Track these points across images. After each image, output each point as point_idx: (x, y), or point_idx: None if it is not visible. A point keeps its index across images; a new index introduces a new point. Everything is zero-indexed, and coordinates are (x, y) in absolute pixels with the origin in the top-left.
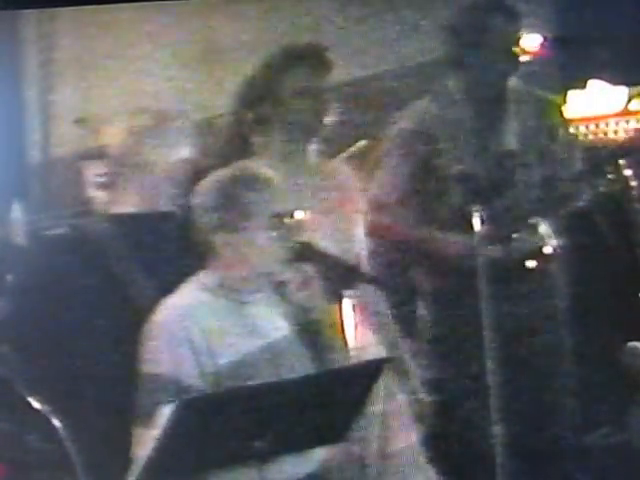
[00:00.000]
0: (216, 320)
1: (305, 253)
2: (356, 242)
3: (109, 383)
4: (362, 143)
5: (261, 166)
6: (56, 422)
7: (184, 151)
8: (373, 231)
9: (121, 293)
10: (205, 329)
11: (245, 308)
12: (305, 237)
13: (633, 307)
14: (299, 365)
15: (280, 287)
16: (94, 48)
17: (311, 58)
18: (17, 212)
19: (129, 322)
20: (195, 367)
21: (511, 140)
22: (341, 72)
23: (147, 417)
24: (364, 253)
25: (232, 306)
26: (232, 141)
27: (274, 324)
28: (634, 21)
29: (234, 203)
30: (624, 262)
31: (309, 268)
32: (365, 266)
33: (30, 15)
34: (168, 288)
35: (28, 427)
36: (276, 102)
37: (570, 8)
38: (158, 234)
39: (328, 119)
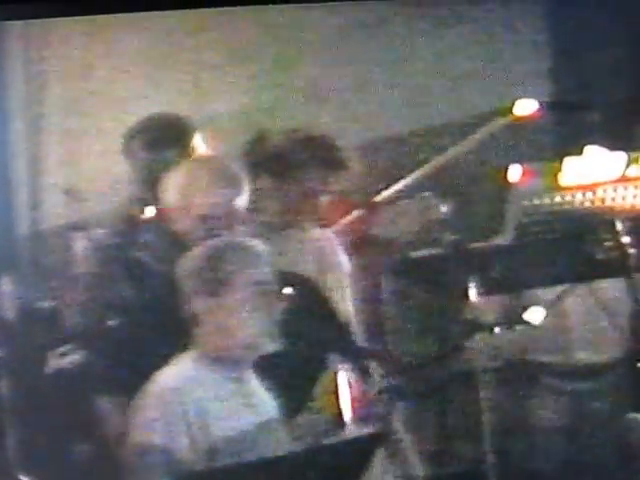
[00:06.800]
0: (211, 394)
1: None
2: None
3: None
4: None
5: (250, 239)
6: None
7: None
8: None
9: (113, 366)
10: (200, 403)
11: (240, 382)
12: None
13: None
14: (294, 440)
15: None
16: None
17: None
18: (6, 285)
19: (121, 394)
20: (189, 441)
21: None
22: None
23: None
24: (353, 322)
25: (227, 380)
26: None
27: (269, 399)
28: (631, 83)
29: (215, 269)
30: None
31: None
32: (354, 335)
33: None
34: (160, 361)
35: None
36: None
37: (566, 72)
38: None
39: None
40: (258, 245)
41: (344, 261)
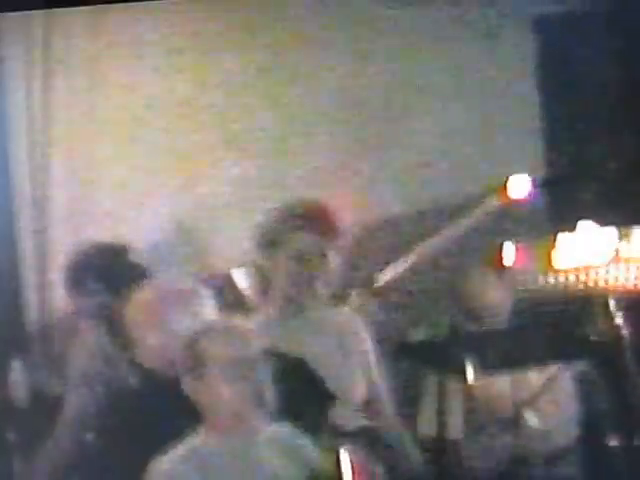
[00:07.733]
0: (212, 466)
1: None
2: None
3: None
4: None
5: (232, 319)
6: None
7: None
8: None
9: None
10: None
11: (244, 456)
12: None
13: None
14: None
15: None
16: None
17: (318, 222)
18: (17, 370)
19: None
20: None
21: None
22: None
23: None
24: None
25: (228, 453)
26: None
27: (273, 472)
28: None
29: (195, 352)
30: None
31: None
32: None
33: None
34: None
35: None
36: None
37: (558, 148)
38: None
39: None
40: (241, 325)
41: (365, 340)
